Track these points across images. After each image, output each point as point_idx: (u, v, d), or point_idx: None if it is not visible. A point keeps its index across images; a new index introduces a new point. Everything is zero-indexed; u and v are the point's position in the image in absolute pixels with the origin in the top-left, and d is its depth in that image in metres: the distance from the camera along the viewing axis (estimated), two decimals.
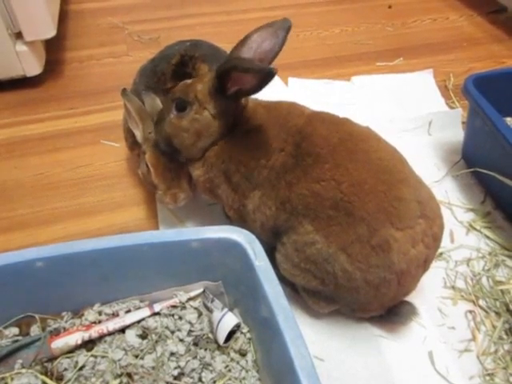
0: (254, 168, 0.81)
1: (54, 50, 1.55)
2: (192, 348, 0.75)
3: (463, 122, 1.28)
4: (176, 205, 0.94)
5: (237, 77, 0.75)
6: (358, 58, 1.59)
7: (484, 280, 0.93)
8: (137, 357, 0.73)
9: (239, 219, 0.88)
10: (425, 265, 0.78)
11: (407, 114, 1.32)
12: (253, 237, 0.74)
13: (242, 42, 0.79)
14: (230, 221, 0.97)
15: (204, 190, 0.91)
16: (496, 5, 1.86)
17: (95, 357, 0.73)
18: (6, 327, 0.74)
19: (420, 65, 1.55)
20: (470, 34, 1.73)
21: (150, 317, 0.77)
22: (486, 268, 0.95)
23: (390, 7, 1.88)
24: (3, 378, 0.69)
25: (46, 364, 0.72)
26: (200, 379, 0.72)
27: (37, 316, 0.75)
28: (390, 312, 0.82)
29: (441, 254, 0.97)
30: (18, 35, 1.29)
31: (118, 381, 0.70)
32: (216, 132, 0.83)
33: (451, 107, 1.38)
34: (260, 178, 0.81)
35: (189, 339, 0.76)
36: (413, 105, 1.37)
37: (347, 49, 1.64)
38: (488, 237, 1.01)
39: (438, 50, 1.64)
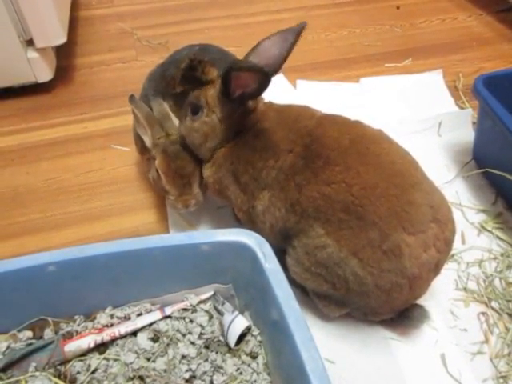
0: (262, 168, 0.81)
1: (64, 56, 1.56)
2: (203, 351, 0.75)
3: (473, 123, 1.27)
4: (187, 210, 0.94)
5: (238, 80, 0.77)
6: (366, 60, 1.58)
7: (496, 281, 0.92)
8: (148, 360, 0.73)
9: (249, 221, 0.88)
10: (436, 269, 0.77)
11: (417, 115, 1.31)
12: (262, 239, 0.74)
13: (253, 48, 0.81)
14: (239, 223, 0.98)
15: (213, 191, 0.92)
16: (505, 4, 1.83)
17: (107, 360, 0.74)
18: (19, 330, 0.75)
19: (429, 65, 1.54)
20: (480, 33, 1.72)
21: (161, 320, 0.78)
22: (499, 269, 0.94)
23: (398, 8, 1.87)
24: (17, 381, 0.69)
25: (58, 367, 0.73)
26: (211, 382, 0.72)
27: (50, 319, 0.76)
28: (402, 315, 0.82)
29: (452, 255, 0.96)
30: (29, 42, 1.30)
31: None
32: (220, 134, 0.85)
33: (461, 107, 1.37)
34: (269, 178, 0.81)
35: (200, 342, 0.76)
36: (422, 106, 1.36)
37: (355, 50, 1.63)
38: (500, 238, 1.00)
39: (447, 50, 1.63)
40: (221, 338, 0.77)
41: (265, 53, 0.80)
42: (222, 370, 0.73)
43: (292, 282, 0.76)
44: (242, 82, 0.77)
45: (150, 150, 0.95)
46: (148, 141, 0.94)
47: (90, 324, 0.77)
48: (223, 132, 0.85)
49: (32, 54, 1.32)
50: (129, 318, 0.78)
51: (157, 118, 0.93)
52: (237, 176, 0.84)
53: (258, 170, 0.82)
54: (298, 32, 0.79)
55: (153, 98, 0.95)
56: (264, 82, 0.75)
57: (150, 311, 0.79)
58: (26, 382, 0.70)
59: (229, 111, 0.84)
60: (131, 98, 0.92)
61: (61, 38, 1.33)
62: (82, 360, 0.74)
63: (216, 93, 0.83)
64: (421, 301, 0.82)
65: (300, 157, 0.79)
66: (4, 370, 0.71)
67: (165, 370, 0.72)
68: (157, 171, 0.92)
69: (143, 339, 0.75)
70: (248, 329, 0.77)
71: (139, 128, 0.95)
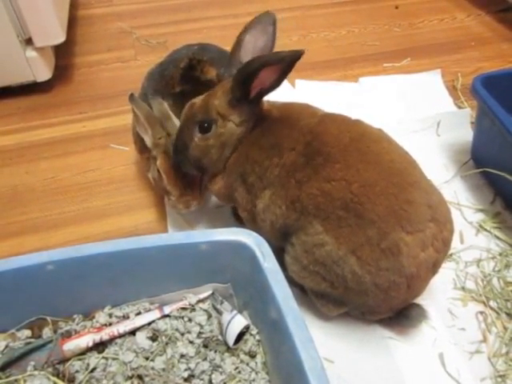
0: (267, 167, 0.81)
1: (63, 55, 1.57)
2: (202, 350, 0.75)
3: (472, 122, 1.28)
4: (188, 210, 0.94)
5: (258, 77, 0.76)
6: (365, 59, 1.59)
7: (495, 281, 0.92)
8: (147, 359, 0.73)
9: (251, 220, 0.88)
10: (434, 268, 0.78)
11: (415, 115, 1.31)
12: (261, 239, 0.74)
13: (238, 46, 0.82)
14: (238, 223, 0.98)
15: (224, 198, 0.92)
16: (504, 3, 1.84)
17: (106, 359, 0.74)
18: (18, 329, 0.75)
19: (428, 65, 1.54)
20: (478, 33, 1.72)
21: (159, 319, 0.78)
22: (497, 269, 0.94)
23: (396, 8, 1.88)
24: (16, 380, 0.69)
25: (57, 366, 0.73)
26: (210, 381, 0.72)
27: (49, 318, 0.76)
28: (400, 314, 0.82)
29: (450, 254, 0.96)
30: (28, 41, 1.30)
31: (128, 383, 0.71)
32: (238, 139, 0.84)
33: (460, 107, 1.37)
34: (271, 176, 0.81)
35: (198, 341, 0.76)
36: (421, 105, 1.36)
37: (354, 50, 1.64)
38: (498, 237, 1.00)
39: (446, 49, 1.63)
40: (219, 337, 0.77)
41: (253, 47, 0.81)
42: (220, 369, 0.73)
43: (291, 281, 0.76)
44: (260, 79, 0.76)
45: (151, 150, 0.94)
46: (148, 140, 0.94)
47: (88, 323, 0.77)
48: (240, 135, 0.83)
49: (31, 53, 1.32)
50: (127, 317, 0.78)
51: (157, 118, 0.93)
52: (244, 177, 0.84)
53: (264, 168, 0.81)
54: (273, 22, 0.82)
55: (152, 98, 0.95)
56: (288, 69, 0.74)
57: (149, 310, 0.79)
58: (25, 381, 0.70)
59: (247, 113, 0.82)
60: (131, 97, 0.92)
61: (60, 38, 1.33)
62: (80, 359, 0.74)
63: (225, 100, 0.81)
64: (419, 300, 0.83)
65: (301, 154, 0.79)
66: (3, 369, 0.71)
67: (163, 369, 0.72)
68: (158, 171, 0.92)
69: (142, 338, 0.75)
70: (247, 328, 0.77)
71: (139, 127, 0.95)
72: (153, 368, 0.72)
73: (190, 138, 0.84)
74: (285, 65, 0.74)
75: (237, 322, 0.76)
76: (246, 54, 0.81)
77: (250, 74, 0.76)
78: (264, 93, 0.80)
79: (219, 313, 0.79)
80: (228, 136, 0.83)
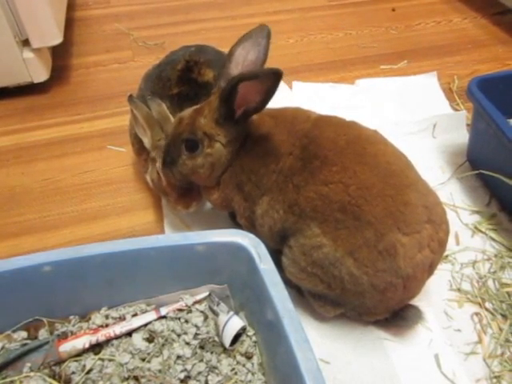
0: (263, 174, 0.81)
1: (60, 56, 1.57)
2: (198, 351, 0.76)
3: (468, 124, 1.28)
4: (188, 211, 0.95)
5: (241, 96, 0.75)
6: (362, 62, 1.59)
7: (490, 282, 0.93)
8: (143, 360, 0.73)
9: (250, 226, 0.88)
10: (430, 269, 0.78)
11: (412, 117, 1.32)
12: (258, 240, 0.74)
13: (229, 59, 0.81)
14: (235, 224, 0.98)
15: (220, 207, 0.92)
16: (500, 6, 1.85)
17: (102, 360, 0.74)
18: (14, 331, 0.75)
19: (424, 67, 1.55)
20: (475, 36, 1.73)
21: (156, 320, 0.78)
22: (492, 270, 0.95)
23: (393, 10, 1.89)
24: (12, 382, 0.69)
25: (53, 367, 0.72)
26: (206, 382, 0.72)
27: (45, 320, 0.76)
28: (396, 316, 0.82)
29: (446, 256, 0.96)
30: (25, 42, 1.30)
31: None
32: (227, 159, 0.84)
33: (456, 109, 1.37)
34: (269, 183, 0.81)
35: (195, 342, 0.76)
36: (417, 107, 1.37)
37: (351, 52, 1.64)
38: (493, 239, 1.01)
39: (443, 52, 1.64)
40: (216, 339, 0.77)
41: (243, 61, 0.80)
42: (216, 371, 0.74)
43: (287, 282, 0.76)
44: (243, 97, 0.76)
45: (149, 151, 0.94)
46: (147, 142, 0.93)
47: (85, 324, 0.77)
48: (228, 155, 0.83)
49: (28, 55, 1.32)
50: (124, 319, 0.78)
51: (156, 119, 0.92)
52: (240, 187, 0.84)
53: (260, 176, 0.81)
54: (266, 35, 0.80)
55: (149, 99, 0.94)
56: (272, 89, 0.73)
57: (146, 312, 0.79)
58: (21, 382, 0.70)
59: (233, 133, 0.82)
60: (130, 98, 0.92)
61: (57, 39, 1.34)
62: (77, 360, 0.74)
63: (212, 119, 0.81)
64: (415, 301, 0.83)
65: (298, 158, 0.79)
66: None
67: (160, 371, 0.72)
68: (157, 173, 0.91)
69: (138, 339, 0.75)
70: (243, 329, 0.77)
71: (138, 129, 0.94)
72: (149, 369, 0.72)
73: (178, 154, 0.84)
74: (265, 84, 0.73)
75: (233, 323, 0.76)
76: (236, 67, 0.81)
77: (230, 90, 0.75)
78: (249, 113, 0.79)
79: (216, 314, 0.79)
80: (217, 157, 0.83)
